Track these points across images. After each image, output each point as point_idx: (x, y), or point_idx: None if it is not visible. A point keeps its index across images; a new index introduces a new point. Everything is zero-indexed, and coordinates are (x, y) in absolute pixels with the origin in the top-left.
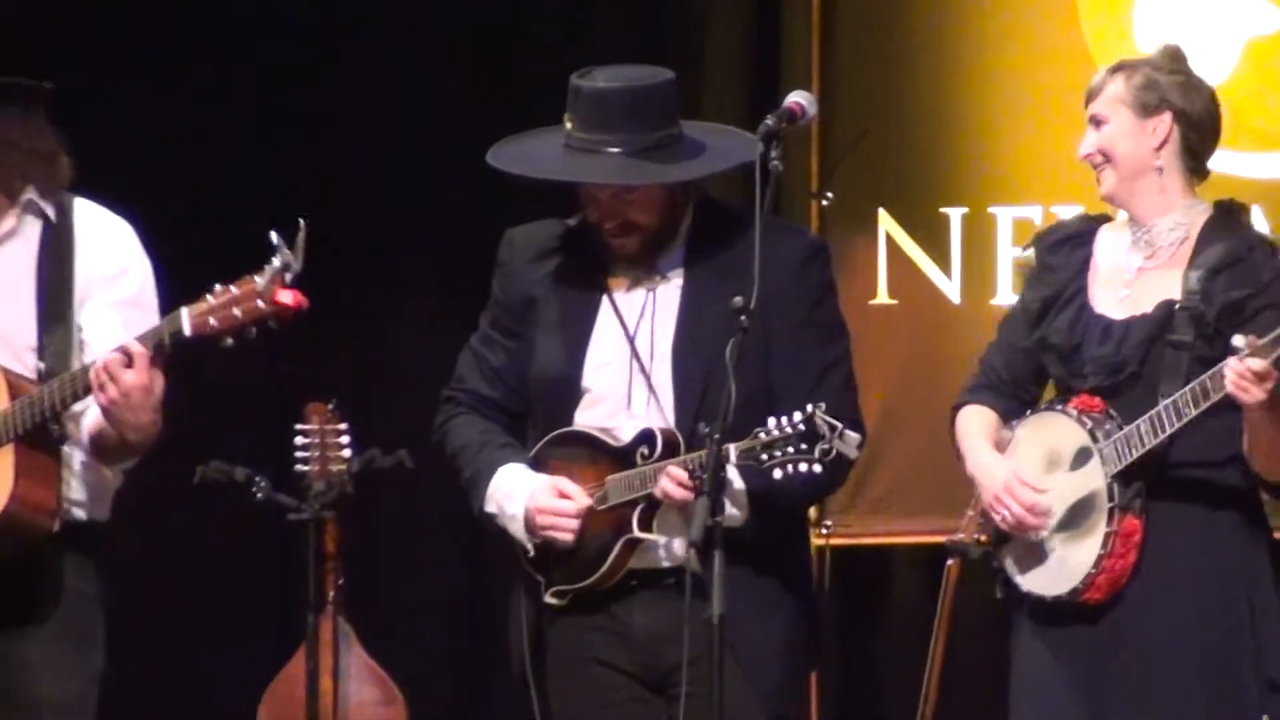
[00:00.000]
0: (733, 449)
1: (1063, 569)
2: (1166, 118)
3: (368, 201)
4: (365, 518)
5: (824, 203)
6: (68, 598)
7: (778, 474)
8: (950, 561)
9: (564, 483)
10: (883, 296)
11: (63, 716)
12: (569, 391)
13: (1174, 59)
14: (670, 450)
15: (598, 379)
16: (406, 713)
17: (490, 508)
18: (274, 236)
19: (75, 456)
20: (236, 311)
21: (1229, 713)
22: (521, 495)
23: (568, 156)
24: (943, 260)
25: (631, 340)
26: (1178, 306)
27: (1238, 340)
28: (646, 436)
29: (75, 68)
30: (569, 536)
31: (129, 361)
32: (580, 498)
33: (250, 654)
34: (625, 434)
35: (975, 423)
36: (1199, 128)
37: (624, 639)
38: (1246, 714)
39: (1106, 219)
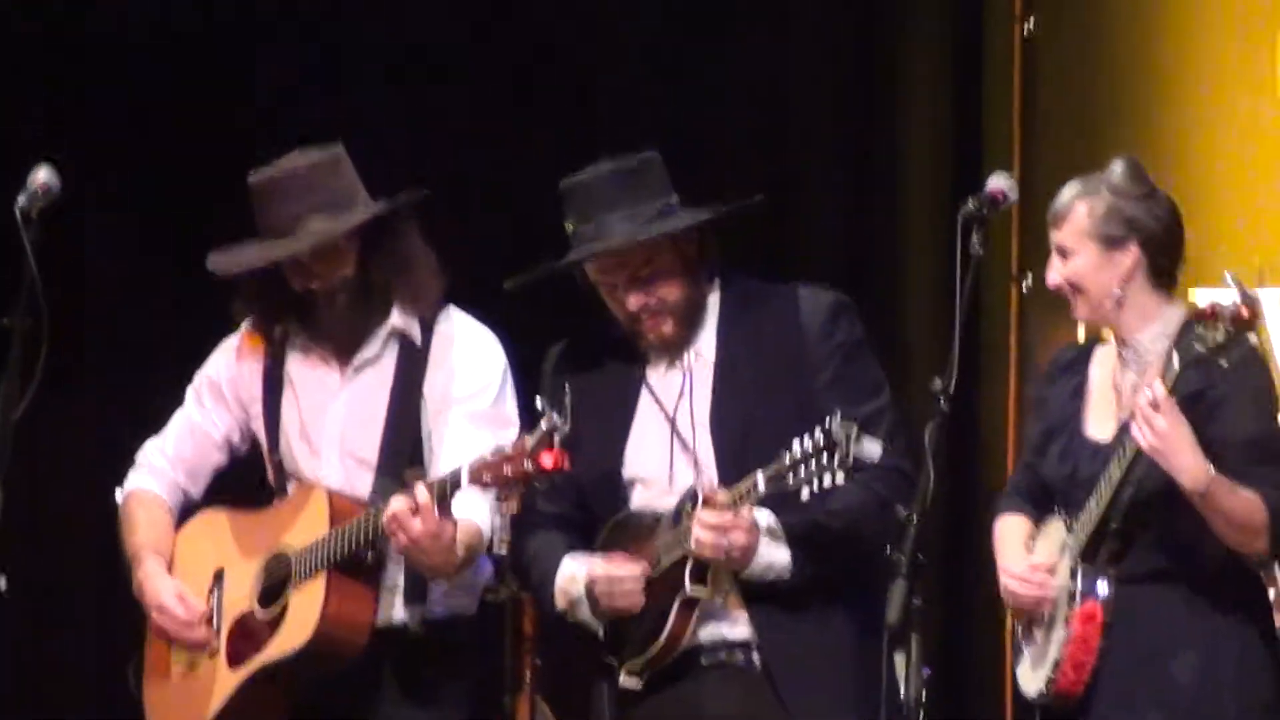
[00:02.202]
0: (761, 475)
1: (1041, 661)
2: (1133, 249)
3: None
4: None
5: (1024, 287)
6: (432, 698)
7: (805, 494)
8: None
9: (618, 556)
10: None
11: None
12: (615, 483)
13: (1134, 179)
14: (710, 500)
15: (644, 465)
16: None
17: (561, 604)
18: (540, 401)
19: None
20: (507, 470)
21: None
22: (581, 577)
23: (579, 249)
24: None
25: (672, 420)
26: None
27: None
28: (691, 495)
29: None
30: (631, 600)
31: (416, 510)
32: (634, 563)
33: None
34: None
35: (1009, 529)
36: (1165, 248)
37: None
38: None
39: (1101, 340)
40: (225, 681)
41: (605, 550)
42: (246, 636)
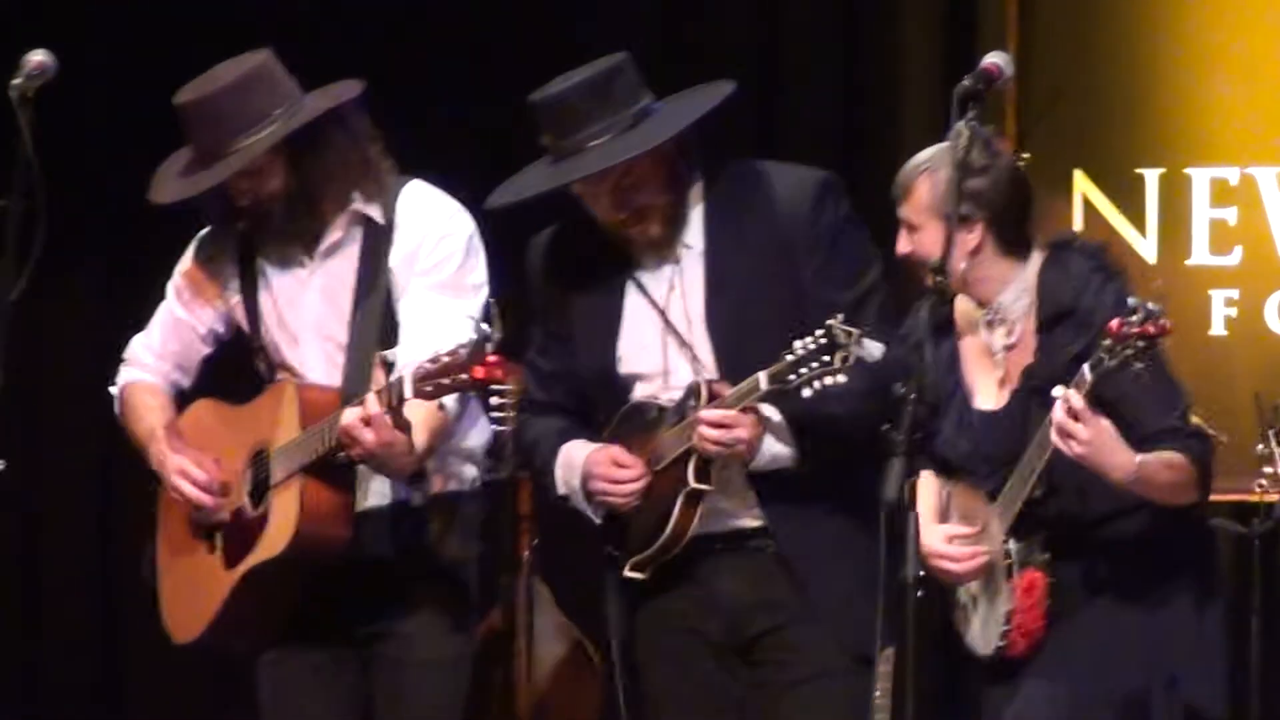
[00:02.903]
0: (763, 376)
1: (988, 627)
2: (978, 227)
3: None
4: None
5: (1020, 164)
6: (439, 565)
7: (807, 392)
8: None
9: (617, 451)
10: None
11: (442, 674)
12: (612, 380)
13: (977, 149)
14: (714, 396)
15: (640, 361)
16: (600, 672)
17: (562, 490)
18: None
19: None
20: (446, 380)
21: None
22: (578, 466)
23: (556, 168)
24: (1138, 221)
25: (663, 314)
26: (1031, 382)
27: (1056, 391)
28: (693, 389)
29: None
30: (623, 501)
31: (369, 420)
32: (633, 462)
33: None
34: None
35: (924, 492)
36: (1010, 219)
37: (712, 606)
38: None
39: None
40: (223, 581)
41: (614, 439)
42: (240, 533)
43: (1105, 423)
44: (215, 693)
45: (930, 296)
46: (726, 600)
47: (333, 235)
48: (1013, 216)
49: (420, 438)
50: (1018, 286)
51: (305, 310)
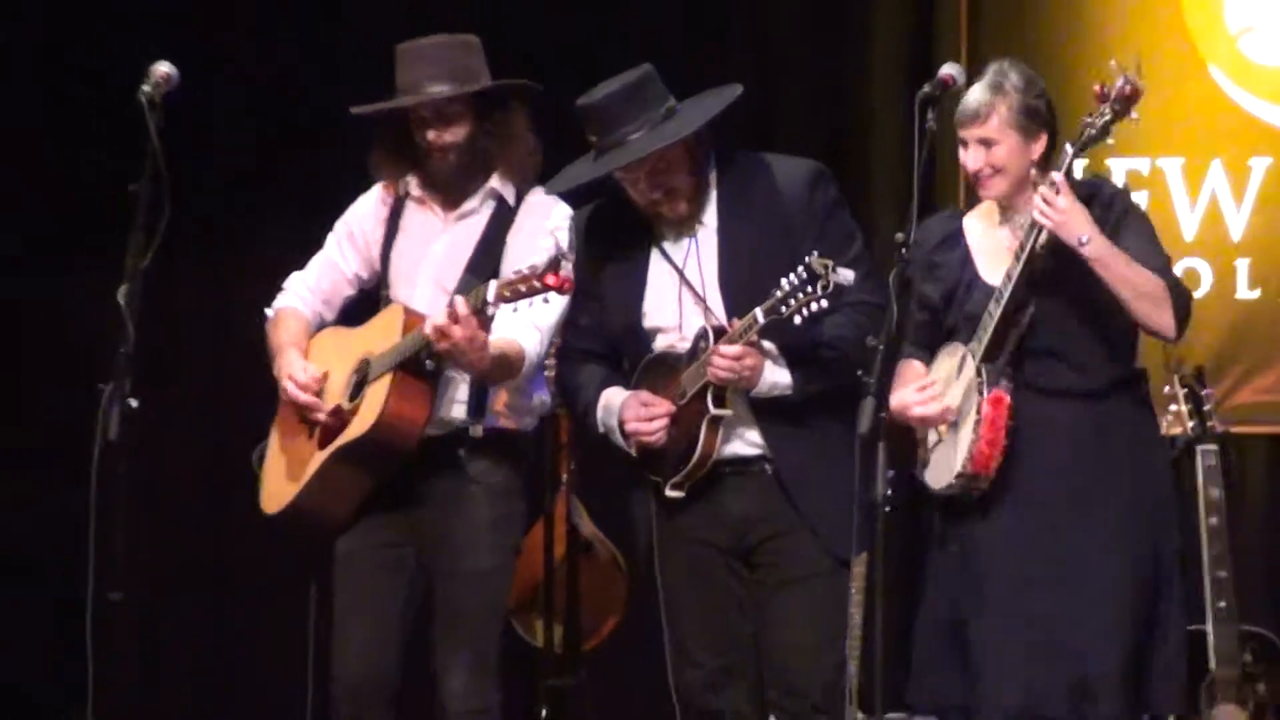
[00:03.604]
0: (759, 310)
1: (952, 451)
2: (1044, 138)
3: None
4: None
5: None
6: (488, 490)
7: (797, 319)
8: None
9: (645, 395)
10: None
11: (484, 581)
12: (637, 332)
13: (1034, 81)
14: (721, 333)
15: (660, 316)
16: (627, 577)
17: (602, 429)
18: (553, 235)
19: (511, 386)
20: (522, 287)
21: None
22: (615, 408)
23: (601, 159)
24: None
25: (682, 274)
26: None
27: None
28: (703, 334)
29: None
30: (654, 437)
31: (456, 319)
32: (659, 402)
33: None
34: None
35: (905, 368)
36: (1055, 135)
37: (719, 520)
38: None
39: (962, 213)
40: (314, 459)
41: (640, 385)
42: (336, 423)
43: (1080, 205)
44: (303, 577)
45: (899, 260)
46: (731, 515)
47: (471, 203)
48: (1056, 133)
49: (497, 348)
50: (1036, 199)
51: (428, 261)
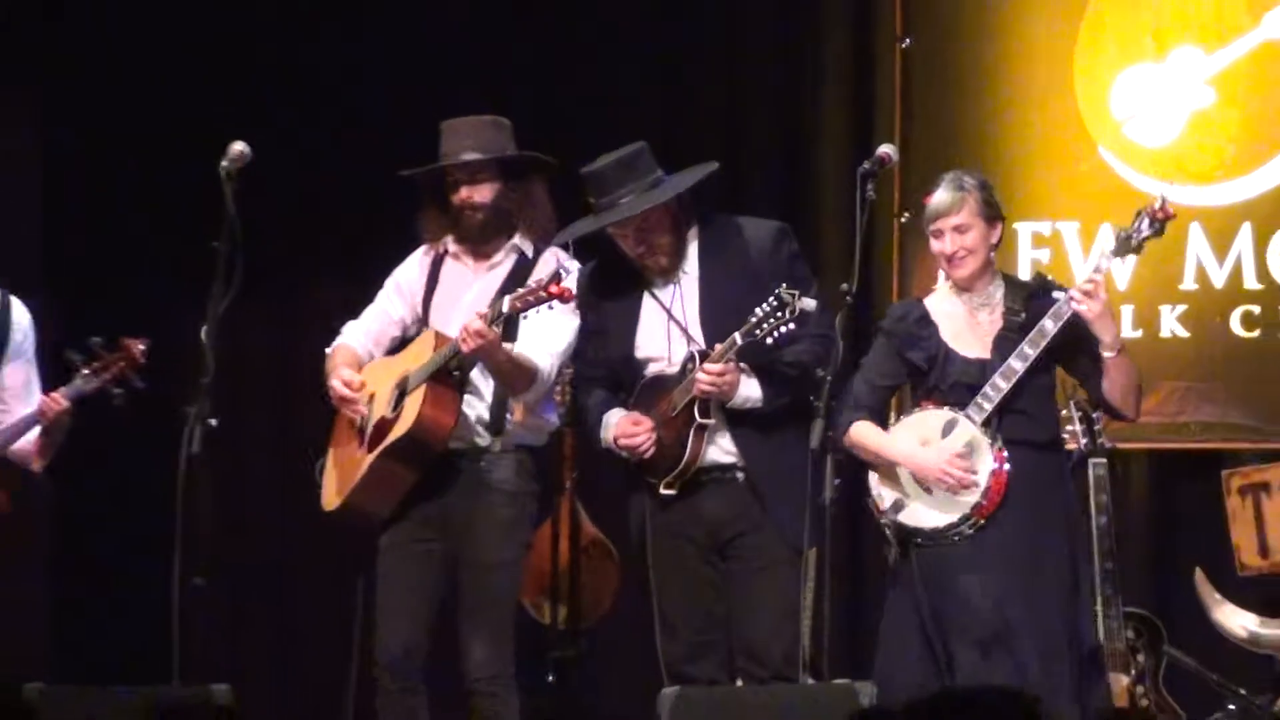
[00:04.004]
0: (737, 334)
1: (954, 501)
2: (999, 226)
3: None
4: None
5: (902, 220)
6: (505, 495)
7: (770, 340)
8: None
9: (635, 415)
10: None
11: (501, 571)
12: (633, 362)
13: (985, 183)
14: (705, 357)
15: (651, 347)
16: (620, 566)
17: (604, 444)
18: (557, 254)
19: (526, 405)
20: (530, 297)
21: (1070, 581)
22: (613, 428)
23: (598, 216)
24: None
25: (669, 312)
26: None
27: (1059, 294)
28: (690, 357)
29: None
30: (641, 447)
31: (480, 327)
32: (645, 420)
33: None
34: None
35: (873, 429)
36: (1003, 224)
37: (698, 519)
38: (1078, 584)
39: (918, 300)
40: (365, 461)
41: (639, 402)
42: (381, 432)
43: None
44: (351, 570)
45: (845, 305)
46: (709, 515)
47: (496, 256)
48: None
49: (515, 357)
50: (996, 282)
51: (461, 306)
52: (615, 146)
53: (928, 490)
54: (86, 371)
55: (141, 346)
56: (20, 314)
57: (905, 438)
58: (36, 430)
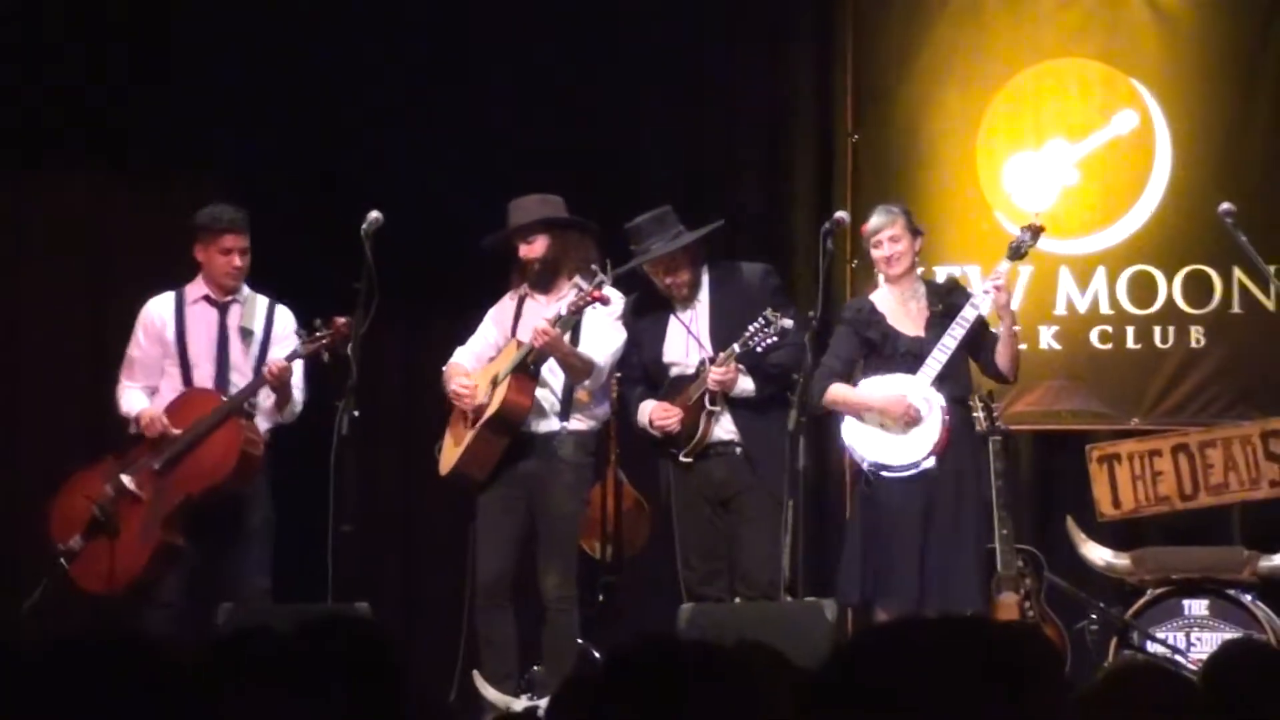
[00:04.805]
0: (735, 345)
1: (914, 442)
2: (919, 240)
3: None
4: None
5: (853, 266)
6: (570, 465)
7: (759, 348)
8: None
9: (665, 404)
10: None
11: (567, 519)
12: (661, 366)
13: (907, 210)
14: (713, 361)
15: (675, 354)
16: (650, 516)
17: (640, 427)
18: (599, 267)
19: (587, 393)
20: (580, 302)
21: (983, 528)
22: (647, 412)
23: (637, 258)
24: None
25: (689, 329)
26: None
27: (974, 290)
28: (702, 362)
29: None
30: (670, 426)
31: (549, 329)
32: (672, 409)
33: None
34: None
35: (847, 387)
36: (921, 239)
37: (708, 481)
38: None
39: (865, 297)
40: (469, 434)
41: (667, 393)
42: (480, 414)
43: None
44: (464, 520)
45: (811, 326)
46: (715, 479)
47: (560, 292)
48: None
49: (579, 353)
50: (919, 280)
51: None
52: (648, 209)
53: (894, 435)
54: (305, 340)
55: (344, 320)
56: (283, 312)
57: (873, 387)
58: (273, 397)
